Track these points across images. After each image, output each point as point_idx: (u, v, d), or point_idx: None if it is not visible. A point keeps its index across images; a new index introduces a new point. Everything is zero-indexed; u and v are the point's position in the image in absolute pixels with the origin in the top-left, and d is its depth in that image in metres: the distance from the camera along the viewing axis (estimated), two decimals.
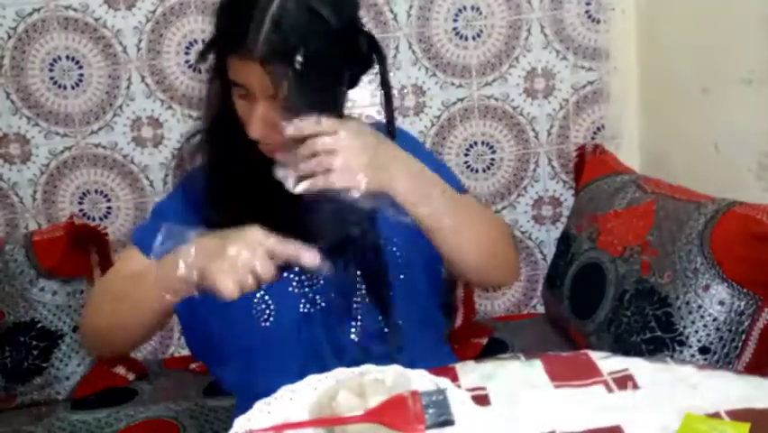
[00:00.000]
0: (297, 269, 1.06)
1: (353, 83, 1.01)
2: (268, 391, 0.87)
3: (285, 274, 1.06)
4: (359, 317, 1.09)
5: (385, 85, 1.02)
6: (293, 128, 0.89)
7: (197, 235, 0.89)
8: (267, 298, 1.06)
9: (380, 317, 1.10)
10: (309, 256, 0.87)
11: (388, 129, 1.06)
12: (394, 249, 1.10)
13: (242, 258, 0.85)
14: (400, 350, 1.10)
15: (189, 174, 1.12)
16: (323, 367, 1.02)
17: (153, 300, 0.94)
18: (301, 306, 1.07)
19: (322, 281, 1.07)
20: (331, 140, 0.89)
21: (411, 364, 1.07)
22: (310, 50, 0.89)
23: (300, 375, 0.93)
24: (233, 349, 1.10)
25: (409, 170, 0.95)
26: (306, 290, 1.07)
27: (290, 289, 1.06)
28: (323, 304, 1.07)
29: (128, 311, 0.99)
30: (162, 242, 0.90)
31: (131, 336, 1.04)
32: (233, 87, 0.98)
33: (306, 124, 0.89)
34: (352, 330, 1.09)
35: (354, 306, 1.09)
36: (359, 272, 1.08)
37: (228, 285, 0.84)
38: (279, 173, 0.91)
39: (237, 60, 0.94)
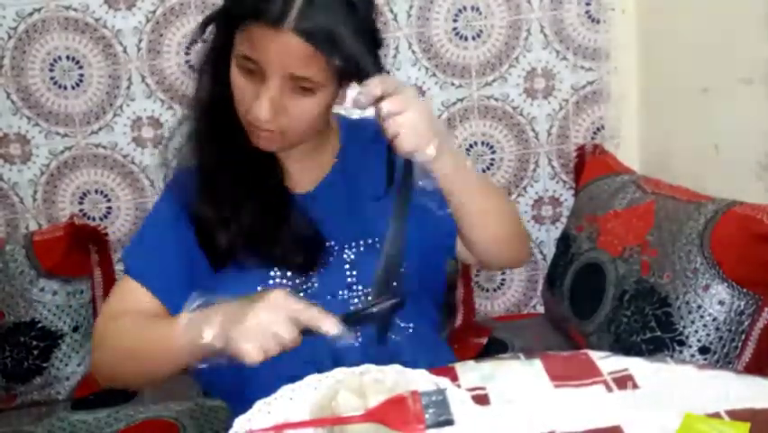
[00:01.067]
0: (289, 273, 1.04)
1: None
2: (259, 396, 0.86)
3: (278, 281, 1.04)
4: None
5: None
6: (364, 96, 0.87)
7: (222, 301, 0.88)
8: None
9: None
10: (330, 323, 0.86)
11: None
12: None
13: (264, 323, 0.84)
14: (399, 354, 1.10)
15: (176, 175, 1.09)
16: (321, 372, 1.02)
17: (177, 362, 0.93)
18: None
19: (316, 285, 1.05)
20: (400, 101, 0.88)
21: (410, 366, 1.07)
22: (344, 26, 0.88)
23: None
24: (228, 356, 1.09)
25: (449, 141, 0.96)
26: (301, 295, 1.03)
27: None
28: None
29: (149, 368, 0.99)
30: (192, 309, 0.90)
31: (151, 382, 1.12)
32: (241, 62, 0.92)
33: (372, 86, 0.87)
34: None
35: (352, 309, 1.08)
36: (354, 273, 1.07)
37: (251, 351, 0.83)
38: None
39: (257, 29, 0.89)
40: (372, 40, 0.95)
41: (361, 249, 1.07)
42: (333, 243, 1.06)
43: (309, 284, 1.05)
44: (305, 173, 1.08)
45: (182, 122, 1.06)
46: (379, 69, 0.93)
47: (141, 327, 0.99)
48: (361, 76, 0.91)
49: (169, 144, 1.07)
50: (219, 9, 0.97)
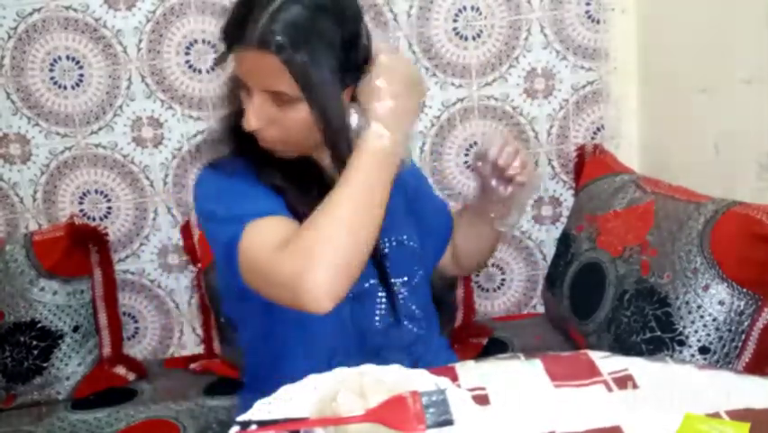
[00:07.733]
0: None
1: (348, 83, 0.99)
2: (293, 375, 0.88)
3: None
4: (383, 304, 1.11)
5: None
6: None
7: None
8: None
9: (403, 304, 1.13)
10: None
11: None
12: (412, 243, 1.15)
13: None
14: (417, 341, 1.14)
15: (216, 164, 1.09)
16: (347, 353, 1.05)
17: (388, 178, 0.94)
18: None
19: None
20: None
21: (421, 354, 1.09)
22: (306, 43, 0.92)
23: (328, 360, 0.94)
24: (267, 331, 1.11)
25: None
26: None
27: None
28: (353, 290, 1.07)
29: (368, 211, 0.93)
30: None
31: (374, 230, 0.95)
32: (240, 83, 1.01)
33: None
34: (376, 317, 1.11)
35: (379, 292, 1.11)
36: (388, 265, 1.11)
37: None
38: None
39: (235, 53, 0.96)
40: (352, 49, 0.97)
41: (394, 244, 1.13)
42: None
43: None
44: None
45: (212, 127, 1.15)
46: (356, 76, 0.97)
47: (323, 203, 0.94)
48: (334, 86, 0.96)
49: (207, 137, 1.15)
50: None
